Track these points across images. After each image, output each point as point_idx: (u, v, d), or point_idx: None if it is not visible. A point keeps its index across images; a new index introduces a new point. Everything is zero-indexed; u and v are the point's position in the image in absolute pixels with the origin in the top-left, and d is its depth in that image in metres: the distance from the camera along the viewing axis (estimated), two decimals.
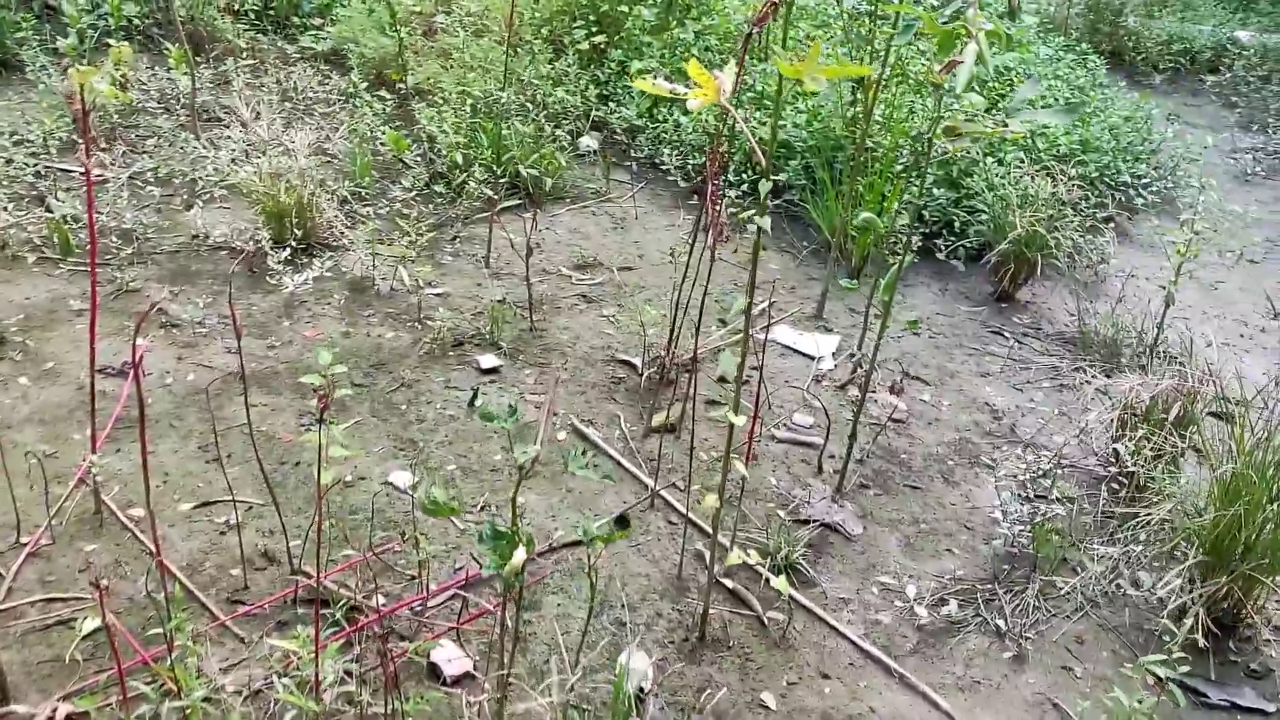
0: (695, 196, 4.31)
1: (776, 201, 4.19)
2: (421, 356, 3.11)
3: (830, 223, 3.86)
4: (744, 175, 4.14)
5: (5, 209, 3.51)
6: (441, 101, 4.54)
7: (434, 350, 3.14)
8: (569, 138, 4.47)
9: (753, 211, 1.93)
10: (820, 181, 4.00)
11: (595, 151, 4.52)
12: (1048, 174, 3.77)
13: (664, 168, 4.44)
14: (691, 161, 4.38)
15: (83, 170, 3.98)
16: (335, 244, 3.67)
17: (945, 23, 2.28)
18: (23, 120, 4.23)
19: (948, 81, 2.12)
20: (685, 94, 1.74)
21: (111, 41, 4.40)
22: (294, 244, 3.57)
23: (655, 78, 4.02)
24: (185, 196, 3.91)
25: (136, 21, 5.05)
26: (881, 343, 2.62)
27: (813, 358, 3.29)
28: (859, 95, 3.98)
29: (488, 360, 3.10)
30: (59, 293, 3.24)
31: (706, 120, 4.35)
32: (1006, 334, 3.55)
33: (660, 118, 4.60)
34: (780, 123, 4.17)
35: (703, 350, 3.17)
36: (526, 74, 4.66)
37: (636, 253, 3.89)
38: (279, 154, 3.94)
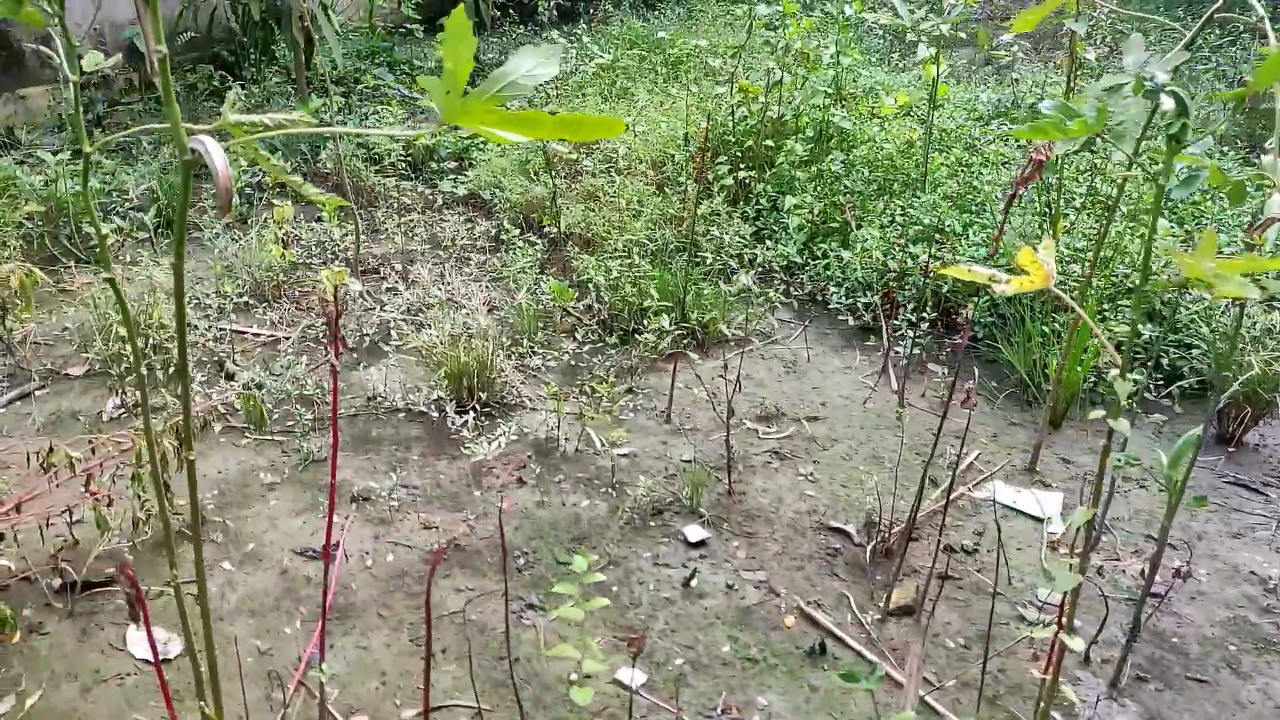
0: (870, 336, 4.13)
1: (956, 336, 3.98)
2: (622, 528, 2.94)
3: (1026, 363, 3.64)
4: (922, 314, 3.96)
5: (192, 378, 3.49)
6: (597, 246, 4.50)
7: (634, 521, 2.97)
8: (727, 277, 4.37)
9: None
10: (1012, 318, 3.80)
11: (754, 290, 4.40)
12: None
13: (830, 306, 4.30)
14: (860, 299, 4.22)
15: (256, 332, 3.98)
16: (514, 403, 3.57)
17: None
18: (194, 280, 4.27)
19: (1260, 243, 1.92)
20: (1006, 280, 1.57)
21: (276, 203, 4.48)
22: (476, 406, 3.47)
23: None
24: (355, 355, 3.87)
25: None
26: (1104, 499, 2.37)
27: (1038, 519, 3.03)
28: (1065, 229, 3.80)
29: (694, 532, 2.91)
30: (248, 464, 3.17)
31: (872, 255, 4.21)
32: (1248, 485, 3.25)
33: (820, 254, 4.47)
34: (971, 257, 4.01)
35: (922, 514, 2.94)
36: (679, 213, 4.60)
37: (818, 400, 3.71)
38: (448, 307, 3.90)
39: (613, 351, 3.94)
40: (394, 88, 6.87)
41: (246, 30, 7.09)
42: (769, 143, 4.96)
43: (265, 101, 6.45)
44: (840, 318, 4.26)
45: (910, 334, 3.89)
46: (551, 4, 7.54)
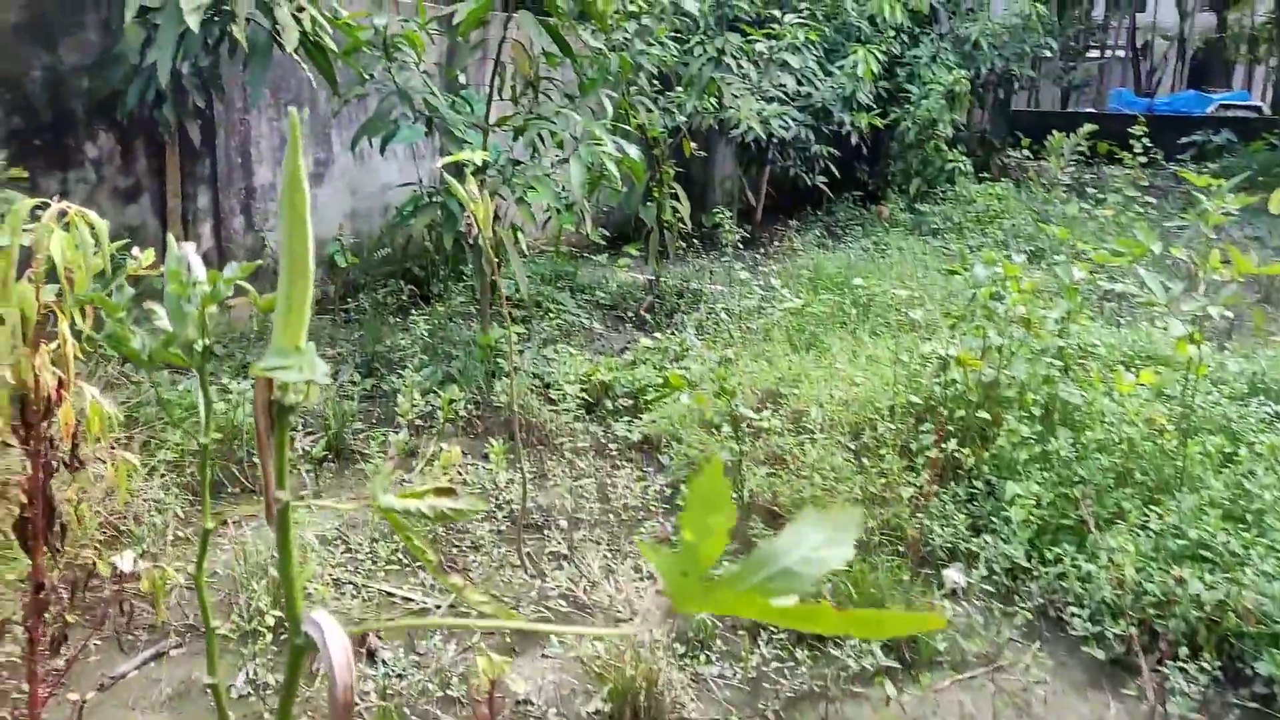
0: (1123, 675, 3.39)
1: (1243, 697, 3.20)
2: None
3: None
4: (1201, 660, 3.21)
5: None
6: (784, 521, 3.99)
7: None
8: (934, 571, 3.76)
9: None
10: None
11: (963, 590, 3.76)
12: None
13: (1068, 628, 3.59)
14: (1108, 626, 3.50)
15: (406, 596, 3.61)
16: None
17: None
18: (349, 524, 3.99)
19: None
20: None
21: (444, 447, 4.21)
22: None
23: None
24: (509, 638, 3.43)
25: (462, 412, 4.95)
26: None
27: None
28: None
29: None
30: None
31: (1123, 571, 3.52)
32: None
33: (1052, 557, 3.81)
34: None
35: None
36: (880, 490, 4.06)
37: None
38: (614, 594, 3.44)
39: (802, 669, 3.34)
40: (574, 314, 6.76)
41: (439, 249, 7.22)
42: (983, 414, 4.41)
43: (449, 320, 6.42)
44: (1083, 646, 3.54)
45: (1183, 685, 3.14)
46: (736, 237, 7.40)
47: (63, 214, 2.01)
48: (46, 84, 5.08)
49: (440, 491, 1.24)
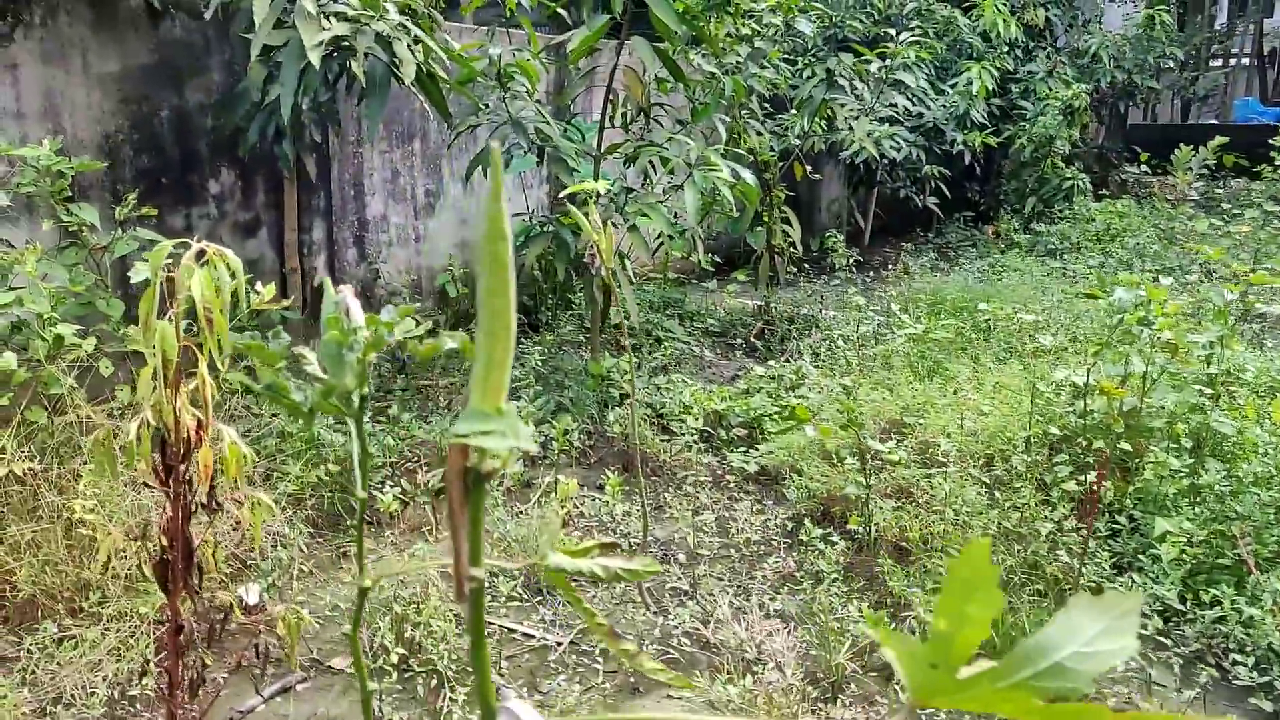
0: None
1: None
2: None
3: None
4: None
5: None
6: (913, 558, 3.81)
7: None
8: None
9: None
10: None
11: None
12: None
13: (1230, 677, 3.32)
14: (1275, 675, 3.22)
15: (527, 633, 3.55)
16: None
17: None
18: None
19: None
20: None
21: (562, 479, 4.16)
22: None
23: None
24: (632, 679, 3.33)
25: (576, 443, 4.91)
26: None
27: None
28: None
29: None
30: None
31: None
32: None
33: (1208, 599, 3.54)
34: None
35: None
36: (1016, 527, 3.84)
37: None
38: (740, 635, 3.31)
39: (940, 715, 3.15)
40: (684, 342, 6.67)
41: (547, 278, 7.24)
42: (1125, 446, 4.15)
43: (558, 349, 6.41)
44: (1249, 698, 3.26)
45: None
46: (850, 261, 7.22)
47: (201, 253, 2.01)
48: (174, 123, 5.27)
49: (605, 548, 1.16)
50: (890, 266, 9.20)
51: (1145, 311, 4.01)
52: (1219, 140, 10.89)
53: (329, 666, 3.37)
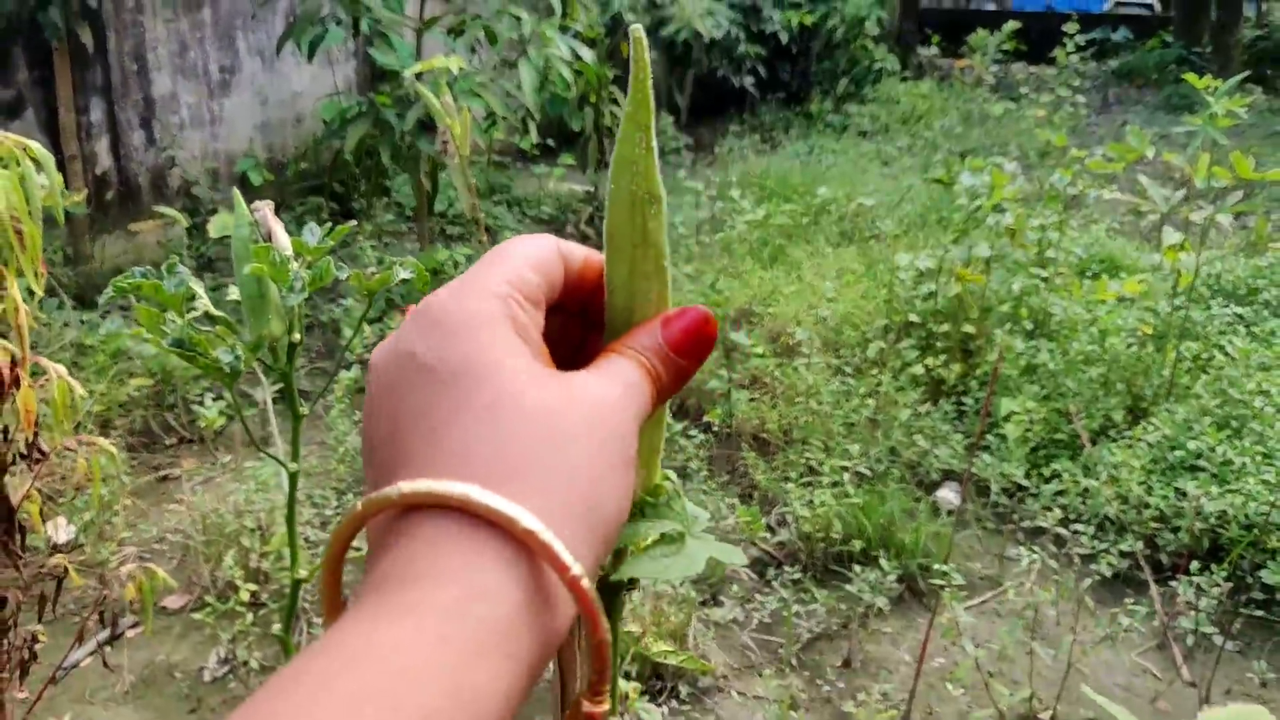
0: (1131, 591, 3.35)
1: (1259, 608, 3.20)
2: None
3: None
4: (1209, 573, 3.18)
5: None
6: (774, 450, 3.83)
7: None
8: (925, 493, 3.67)
9: None
10: None
11: (954, 512, 3.67)
12: None
13: (1069, 546, 3.53)
14: (1113, 542, 3.45)
15: None
16: (707, 684, 2.83)
17: None
18: (305, 474, 3.66)
19: None
20: None
21: None
22: (667, 691, 2.74)
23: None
24: None
25: None
26: None
27: None
28: None
29: None
30: None
31: (1127, 487, 3.46)
32: None
33: (1049, 474, 3.74)
34: None
35: None
36: (872, 414, 3.91)
37: (1089, 686, 2.91)
38: None
39: (819, 607, 3.19)
40: (516, 230, 6.37)
41: (358, 163, 6.69)
42: (968, 329, 4.28)
43: (378, 239, 5.97)
44: (1090, 564, 3.49)
45: (1195, 599, 3.10)
46: (680, 144, 7.06)
47: None
48: None
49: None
50: (713, 149, 9.12)
51: (989, 197, 4.08)
52: (1012, 25, 11.33)
53: (163, 607, 3.04)
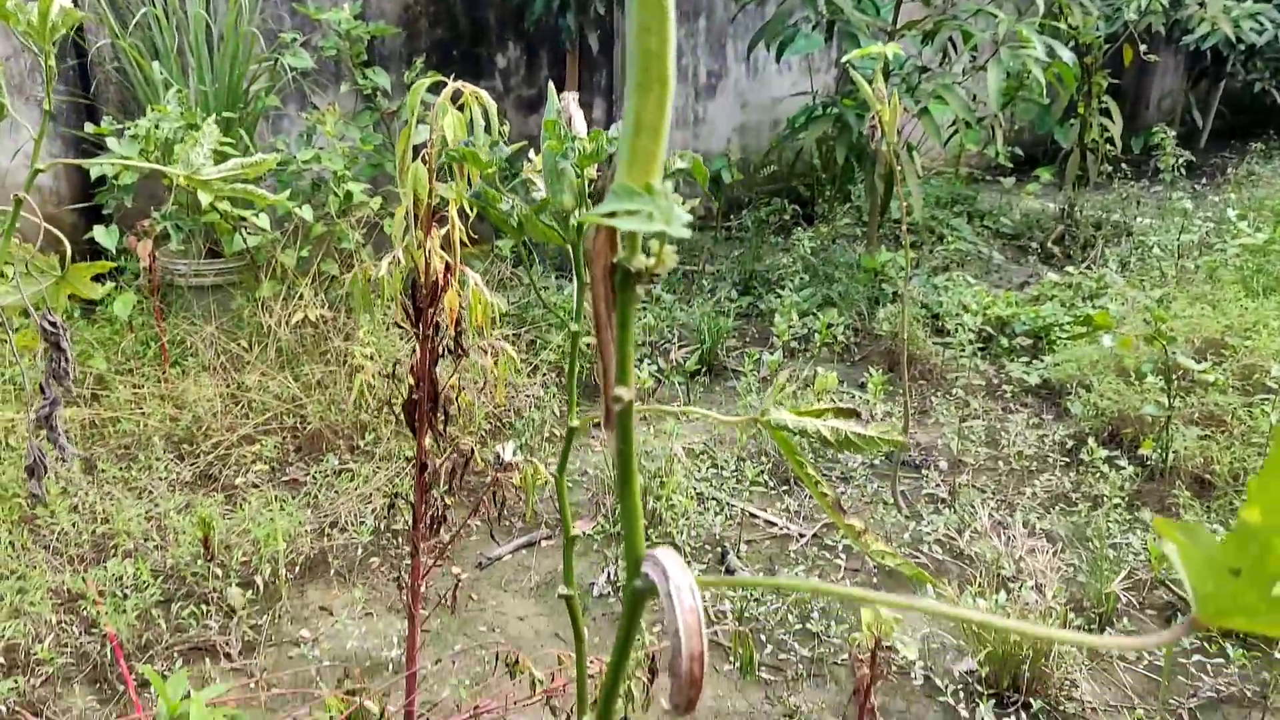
0: None
1: None
2: None
3: None
4: None
5: None
6: (1218, 493, 3.33)
7: None
8: None
9: None
10: None
11: None
12: None
13: None
14: None
15: (769, 519, 3.45)
16: (1074, 714, 2.58)
17: None
18: (717, 439, 3.91)
19: None
20: None
21: (820, 370, 3.98)
22: (1019, 706, 2.56)
23: None
24: (875, 579, 3.16)
25: (840, 337, 4.67)
26: None
27: None
28: None
29: None
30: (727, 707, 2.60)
31: None
32: None
33: None
34: None
35: None
36: None
37: None
38: (1000, 549, 3.04)
39: (1231, 668, 2.74)
40: (971, 242, 6.16)
41: (826, 167, 6.90)
42: None
43: (832, 242, 6.13)
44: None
45: None
46: (1179, 162, 6.30)
47: (457, 94, 1.97)
48: None
49: (842, 413, 0.99)
50: (1230, 172, 8.00)
51: None
52: None
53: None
